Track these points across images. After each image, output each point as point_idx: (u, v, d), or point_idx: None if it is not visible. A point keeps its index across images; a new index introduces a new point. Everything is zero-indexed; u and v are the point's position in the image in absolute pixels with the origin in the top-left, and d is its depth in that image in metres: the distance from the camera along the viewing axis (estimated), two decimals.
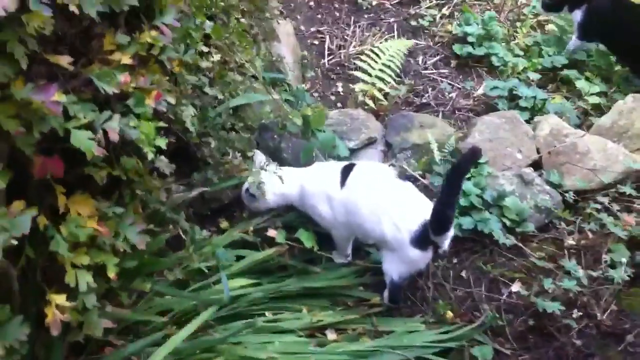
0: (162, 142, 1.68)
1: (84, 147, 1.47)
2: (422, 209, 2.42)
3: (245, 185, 2.72)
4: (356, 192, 2.55)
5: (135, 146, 1.71)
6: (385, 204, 2.47)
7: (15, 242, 1.37)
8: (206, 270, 2.42)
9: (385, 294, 2.60)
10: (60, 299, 1.61)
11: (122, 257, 1.80)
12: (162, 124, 1.70)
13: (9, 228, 1.37)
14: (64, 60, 1.44)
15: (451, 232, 2.40)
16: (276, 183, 2.64)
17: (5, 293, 1.64)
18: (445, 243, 2.44)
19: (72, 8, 1.40)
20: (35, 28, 1.33)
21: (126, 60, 1.65)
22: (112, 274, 1.72)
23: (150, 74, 1.77)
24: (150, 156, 1.65)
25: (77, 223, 1.63)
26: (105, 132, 1.56)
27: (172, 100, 1.81)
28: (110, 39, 1.67)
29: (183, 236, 2.34)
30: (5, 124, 1.32)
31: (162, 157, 1.94)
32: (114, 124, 1.57)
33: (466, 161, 2.36)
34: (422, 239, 2.39)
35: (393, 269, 2.52)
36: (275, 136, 3.13)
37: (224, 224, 2.87)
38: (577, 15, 3.85)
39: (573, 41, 3.93)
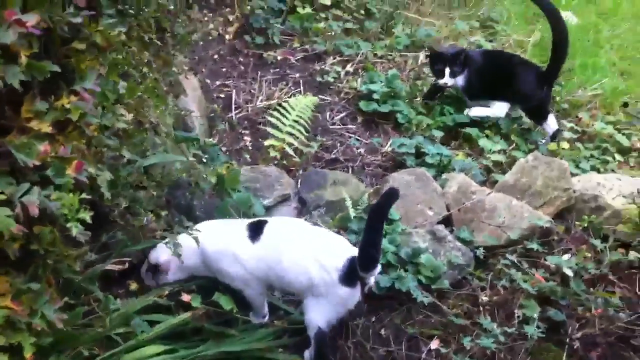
0: (86, 215, 1.58)
1: (1, 226, 1.36)
2: (344, 246, 2.50)
3: (145, 266, 2.70)
4: (275, 245, 2.54)
5: (51, 215, 1.61)
6: (308, 251, 2.49)
7: None
8: (118, 339, 2.29)
9: (307, 354, 2.56)
10: None
11: (38, 335, 1.67)
12: (84, 195, 1.60)
13: None
14: None
15: (378, 269, 2.45)
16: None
17: None
18: (372, 279, 2.50)
19: None
20: None
21: (45, 128, 1.56)
22: (28, 354, 1.60)
23: (69, 141, 1.68)
24: (75, 231, 1.55)
25: None
26: (23, 206, 1.46)
27: (93, 170, 1.73)
28: (28, 105, 1.58)
29: (95, 308, 2.22)
30: None
31: (78, 224, 1.84)
32: (33, 198, 1.47)
33: (388, 199, 2.45)
34: (349, 276, 2.42)
35: (319, 316, 2.49)
36: (187, 194, 3.06)
37: (133, 286, 2.74)
38: (460, 81, 4.04)
39: (469, 103, 4.14)
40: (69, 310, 2.01)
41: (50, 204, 1.53)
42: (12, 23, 1.45)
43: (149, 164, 2.82)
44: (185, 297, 2.62)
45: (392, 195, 2.45)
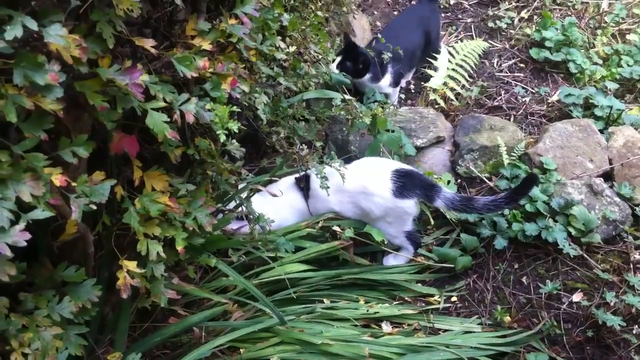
0: (234, 125, 1.73)
1: (157, 129, 1.53)
2: (382, 166, 2.70)
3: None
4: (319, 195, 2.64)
5: (209, 128, 1.78)
6: (353, 186, 2.63)
7: (94, 208, 1.45)
8: (267, 258, 2.47)
9: (391, 259, 2.78)
10: (132, 265, 1.70)
11: (191, 234, 1.88)
12: (235, 108, 1.76)
13: (89, 194, 1.45)
14: (148, 44, 1.51)
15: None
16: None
17: (81, 256, 1.74)
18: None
19: None
20: (124, 10, 1.40)
21: (206, 46, 1.71)
22: (180, 247, 1.80)
23: (227, 60, 1.83)
24: (222, 138, 1.71)
25: (151, 197, 1.71)
26: (182, 113, 1.63)
27: (246, 88, 1.87)
28: (192, 24, 1.74)
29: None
30: (91, 98, 1.39)
31: (234, 141, 2.01)
32: (191, 107, 1.63)
33: (527, 185, 2.62)
34: (403, 189, 2.61)
35: (396, 229, 2.71)
36: (344, 129, 3.18)
37: None
38: (388, 76, 3.61)
39: (394, 93, 3.75)
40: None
41: (205, 114, 1.69)
42: None
43: (310, 98, 2.97)
44: (337, 228, 2.72)
45: (532, 182, 2.62)
